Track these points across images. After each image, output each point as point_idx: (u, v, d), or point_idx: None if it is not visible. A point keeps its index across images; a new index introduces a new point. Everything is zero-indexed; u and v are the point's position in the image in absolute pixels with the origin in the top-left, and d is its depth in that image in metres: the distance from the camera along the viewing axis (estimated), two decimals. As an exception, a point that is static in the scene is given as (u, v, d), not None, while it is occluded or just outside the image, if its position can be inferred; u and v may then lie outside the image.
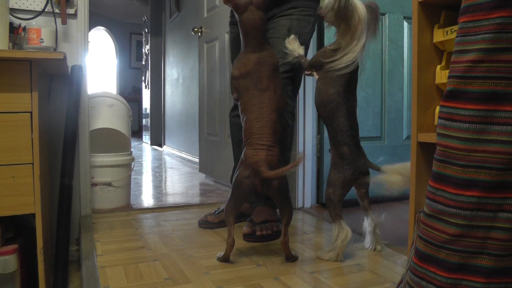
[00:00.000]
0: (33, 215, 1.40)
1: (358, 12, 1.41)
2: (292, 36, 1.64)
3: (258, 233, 1.68)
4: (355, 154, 1.48)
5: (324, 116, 1.55)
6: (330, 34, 2.38)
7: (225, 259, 1.43)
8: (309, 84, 2.36)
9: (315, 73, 1.57)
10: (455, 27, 1.23)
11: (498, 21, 0.66)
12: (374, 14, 1.45)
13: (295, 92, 1.82)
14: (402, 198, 2.45)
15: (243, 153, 1.41)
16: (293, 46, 1.63)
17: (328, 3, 1.45)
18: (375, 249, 1.56)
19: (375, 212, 1.56)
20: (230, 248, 1.41)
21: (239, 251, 1.55)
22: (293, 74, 1.75)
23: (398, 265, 1.43)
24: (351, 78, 1.50)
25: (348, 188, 1.49)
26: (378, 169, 1.47)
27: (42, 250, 1.40)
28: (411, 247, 0.81)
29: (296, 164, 1.35)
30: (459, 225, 0.70)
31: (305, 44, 1.77)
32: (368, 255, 1.53)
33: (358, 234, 1.66)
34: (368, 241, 1.58)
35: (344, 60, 1.45)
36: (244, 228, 1.71)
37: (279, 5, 1.77)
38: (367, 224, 1.57)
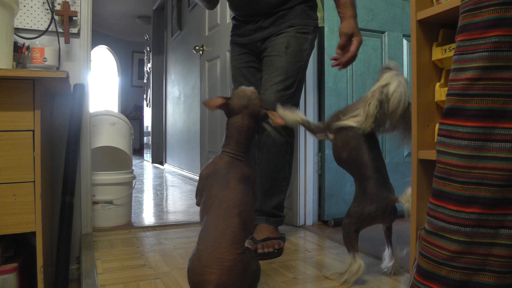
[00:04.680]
0: (34, 233, 1.39)
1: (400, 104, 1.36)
2: (280, 109, 1.52)
3: (259, 250, 1.67)
4: (379, 189, 1.38)
5: (345, 163, 1.49)
6: (330, 52, 2.40)
7: None
8: (309, 101, 2.37)
9: (330, 134, 1.51)
10: (453, 45, 1.24)
11: (494, 39, 0.67)
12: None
13: (295, 110, 1.83)
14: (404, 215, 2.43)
15: (190, 259, 1.12)
16: (289, 114, 1.52)
17: (368, 114, 1.37)
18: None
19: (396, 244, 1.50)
20: None
21: (240, 269, 1.54)
22: (293, 90, 1.76)
23: (401, 282, 1.42)
24: (371, 135, 1.44)
25: (365, 223, 1.40)
26: (397, 201, 1.39)
27: (42, 268, 1.39)
28: (413, 264, 0.81)
29: None
30: (460, 242, 0.70)
31: (303, 61, 1.79)
32: (371, 271, 1.51)
33: (372, 257, 1.65)
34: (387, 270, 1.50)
35: (353, 121, 1.41)
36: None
37: (276, 24, 1.80)
38: (387, 256, 1.48)
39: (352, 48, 1.66)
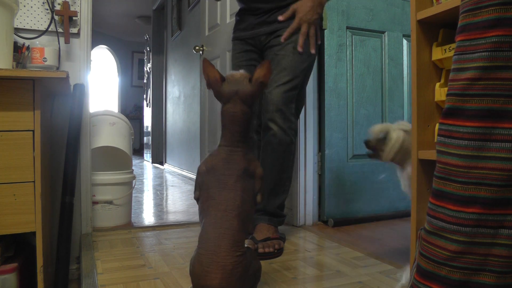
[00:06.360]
0: (34, 233, 1.39)
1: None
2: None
3: (260, 250, 1.67)
4: None
5: None
6: (330, 52, 2.40)
7: None
8: (309, 101, 2.37)
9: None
10: (453, 45, 1.24)
11: (494, 39, 0.67)
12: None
13: (299, 111, 1.83)
14: (404, 215, 2.44)
15: (191, 263, 1.14)
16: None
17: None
18: None
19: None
20: None
21: (240, 269, 1.54)
22: (298, 92, 1.76)
23: (401, 283, 1.42)
24: None
25: None
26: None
27: (42, 268, 1.39)
28: (413, 264, 0.81)
29: None
30: (460, 242, 0.70)
31: (310, 61, 1.79)
32: (369, 272, 1.51)
33: (372, 257, 1.65)
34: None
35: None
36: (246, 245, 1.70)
37: (283, 22, 1.79)
38: (403, 278, 1.44)
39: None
